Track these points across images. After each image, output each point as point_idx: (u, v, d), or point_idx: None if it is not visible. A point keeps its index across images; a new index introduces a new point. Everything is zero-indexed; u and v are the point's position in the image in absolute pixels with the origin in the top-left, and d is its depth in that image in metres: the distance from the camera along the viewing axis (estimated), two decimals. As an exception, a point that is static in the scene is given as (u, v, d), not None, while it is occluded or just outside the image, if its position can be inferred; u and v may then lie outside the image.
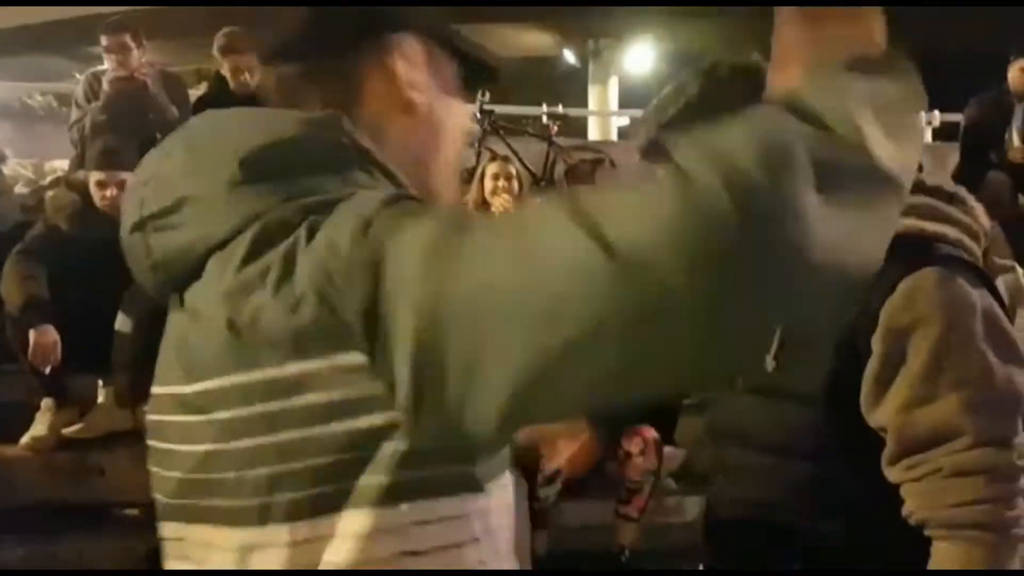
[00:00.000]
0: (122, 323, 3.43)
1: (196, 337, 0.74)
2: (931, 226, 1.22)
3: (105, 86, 4.34)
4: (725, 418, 1.33)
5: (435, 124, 0.85)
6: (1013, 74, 5.19)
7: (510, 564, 0.81)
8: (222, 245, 0.73)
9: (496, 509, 0.76)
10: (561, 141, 6.28)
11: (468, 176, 4.79)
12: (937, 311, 1.14)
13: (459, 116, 0.89)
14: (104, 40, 4.41)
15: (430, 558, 0.71)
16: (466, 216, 0.69)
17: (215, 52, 4.39)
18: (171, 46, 8.91)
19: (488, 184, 4.17)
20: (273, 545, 0.71)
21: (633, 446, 3.45)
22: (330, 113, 0.79)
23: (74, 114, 4.59)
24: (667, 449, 3.52)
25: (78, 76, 5.29)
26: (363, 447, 0.68)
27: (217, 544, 0.74)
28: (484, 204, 4.17)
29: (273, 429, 0.70)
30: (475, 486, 0.73)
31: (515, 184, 4.18)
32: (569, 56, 13.62)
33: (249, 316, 0.70)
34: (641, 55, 12.90)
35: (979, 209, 1.28)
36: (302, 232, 0.70)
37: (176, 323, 0.78)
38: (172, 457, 0.77)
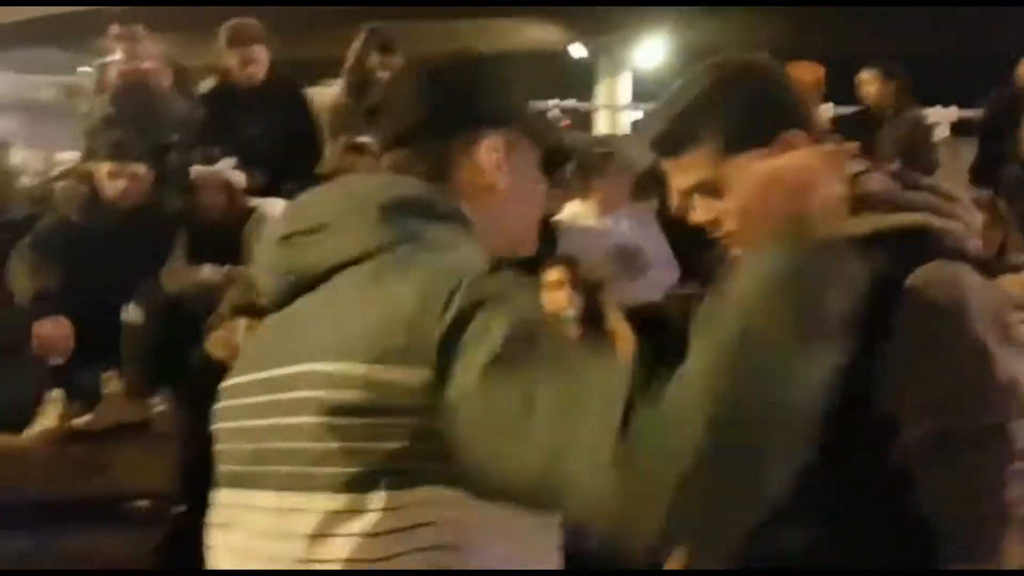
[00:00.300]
0: (132, 314, 3.42)
1: (335, 326, 0.92)
2: (937, 221, 1.24)
3: (113, 78, 4.32)
4: None
5: (514, 198, 1.05)
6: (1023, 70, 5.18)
7: None
8: (351, 263, 0.95)
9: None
10: (571, 135, 6.26)
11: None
12: (943, 302, 1.17)
13: (538, 191, 1.10)
14: (115, 28, 4.40)
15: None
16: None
17: (222, 44, 4.37)
18: (182, 41, 8.90)
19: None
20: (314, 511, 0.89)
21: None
22: (448, 186, 1.02)
23: (84, 105, 4.58)
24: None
25: (87, 68, 5.28)
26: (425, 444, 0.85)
27: (260, 506, 0.94)
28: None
29: (361, 415, 0.87)
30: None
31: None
32: (578, 50, 13.59)
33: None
34: (651, 50, 12.87)
35: (974, 209, 1.31)
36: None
37: (291, 317, 1.00)
38: (247, 433, 0.98)
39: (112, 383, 3.55)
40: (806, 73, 4.96)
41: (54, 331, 3.25)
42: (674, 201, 1.29)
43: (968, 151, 5.57)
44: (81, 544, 3.28)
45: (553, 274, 3.54)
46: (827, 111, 5.92)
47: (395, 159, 1.05)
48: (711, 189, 1.24)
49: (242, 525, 0.97)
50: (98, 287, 3.45)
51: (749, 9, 11.52)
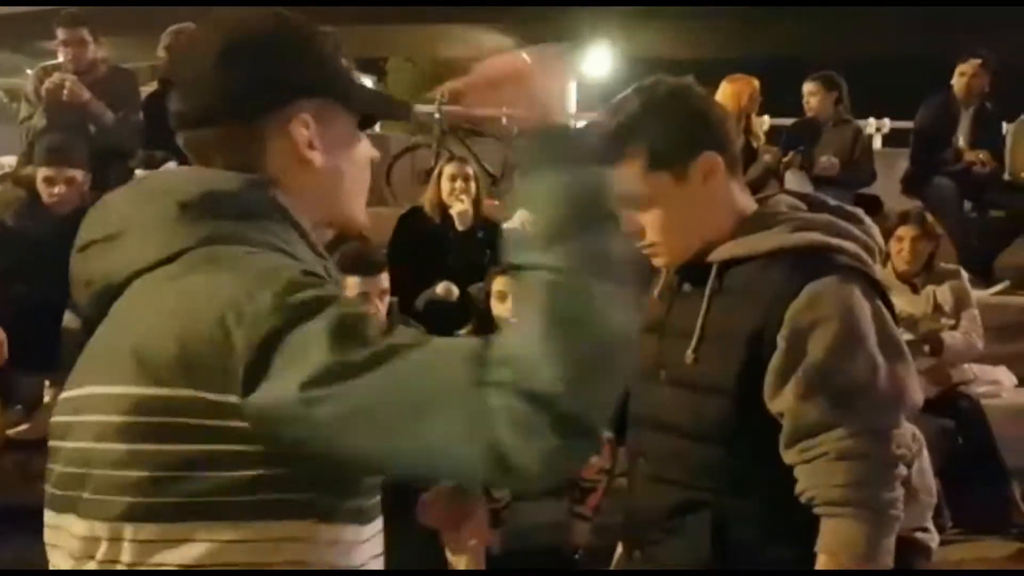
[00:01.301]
0: (70, 321, 3.38)
1: (144, 345, 0.86)
2: (834, 241, 1.37)
3: (41, 92, 4.25)
4: (644, 407, 1.44)
5: (334, 171, 1.00)
6: (957, 79, 5.32)
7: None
8: (148, 269, 0.89)
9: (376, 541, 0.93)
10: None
11: (426, 177, 4.78)
12: (835, 313, 1.30)
13: (359, 156, 1.03)
14: (61, 34, 4.34)
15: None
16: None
17: (160, 51, 4.33)
18: (125, 42, 8.77)
19: (445, 185, 4.16)
20: (131, 540, 0.85)
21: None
22: (259, 176, 0.95)
23: (24, 110, 4.51)
24: (621, 449, 3.55)
25: (29, 72, 5.18)
26: (228, 469, 0.82)
27: (74, 533, 0.88)
28: (441, 205, 4.17)
29: (166, 441, 0.83)
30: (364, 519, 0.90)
31: (472, 185, 4.18)
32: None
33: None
34: (598, 58, 12.98)
35: (875, 229, 1.45)
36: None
37: (104, 332, 0.92)
38: (58, 453, 0.92)
39: (50, 391, 3.51)
40: (741, 86, 5.06)
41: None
42: None
43: (901, 162, 5.72)
44: (16, 555, 3.23)
45: (499, 284, 3.57)
46: (764, 123, 6.04)
47: (196, 141, 0.97)
48: (634, 203, 1.37)
49: (63, 549, 0.91)
50: (34, 293, 3.40)
51: (693, 19, 11.68)
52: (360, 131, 1.04)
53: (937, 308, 3.89)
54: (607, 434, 3.56)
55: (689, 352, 1.36)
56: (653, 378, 1.42)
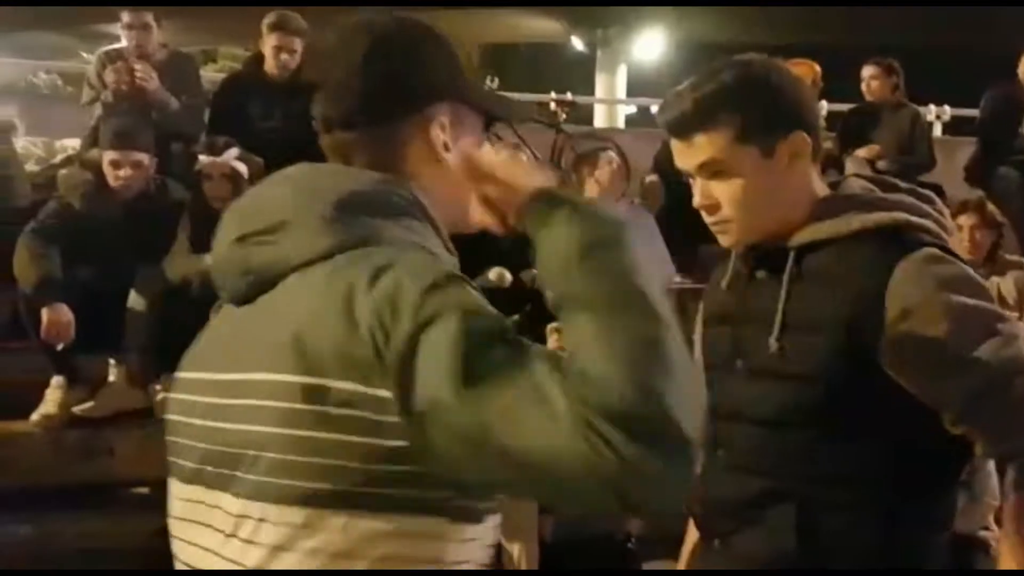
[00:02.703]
0: (135, 302, 3.45)
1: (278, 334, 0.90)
2: (915, 219, 1.35)
3: (108, 91, 4.30)
4: (725, 398, 1.41)
5: (461, 176, 1.01)
6: (1023, 68, 5.19)
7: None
8: (308, 264, 0.92)
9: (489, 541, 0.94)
10: (569, 129, 6.27)
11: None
12: (943, 282, 1.28)
13: (488, 164, 1.03)
14: (125, 17, 4.39)
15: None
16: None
17: (263, 26, 4.35)
18: (184, 26, 8.88)
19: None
20: (276, 523, 0.87)
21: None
22: (399, 177, 0.99)
23: (87, 94, 4.58)
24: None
25: (85, 55, 5.27)
26: (379, 462, 0.84)
27: (227, 510, 0.91)
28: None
29: (328, 430, 0.85)
30: (475, 518, 0.90)
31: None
32: (577, 43, 13.57)
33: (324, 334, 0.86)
34: (650, 43, 12.86)
35: (947, 211, 1.43)
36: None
37: (247, 318, 0.96)
38: (201, 432, 0.96)
39: (114, 370, 3.59)
40: (804, 70, 4.99)
41: (56, 318, 3.28)
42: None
43: (963, 150, 5.60)
44: (81, 530, 3.31)
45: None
46: (822, 109, 5.95)
47: (339, 142, 1.01)
48: (718, 170, 1.35)
49: (204, 523, 0.94)
50: (101, 274, 3.47)
51: (746, 4, 11.51)
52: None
53: (1001, 300, 3.81)
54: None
55: (772, 340, 1.33)
56: (728, 368, 1.41)
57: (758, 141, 1.34)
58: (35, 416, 3.47)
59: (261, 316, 0.94)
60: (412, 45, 1.02)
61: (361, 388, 0.83)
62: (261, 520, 0.87)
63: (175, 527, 0.99)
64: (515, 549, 3.15)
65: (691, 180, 1.39)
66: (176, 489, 0.99)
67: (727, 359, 1.41)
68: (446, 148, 1.01)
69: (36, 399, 3.52)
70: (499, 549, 3.15)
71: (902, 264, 1.27)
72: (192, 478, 0.96)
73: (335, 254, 0.91)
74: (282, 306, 0.92)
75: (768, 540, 1.34)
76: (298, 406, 0.85)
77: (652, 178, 4.73)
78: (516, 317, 3.65)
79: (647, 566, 3.38)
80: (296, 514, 0.86)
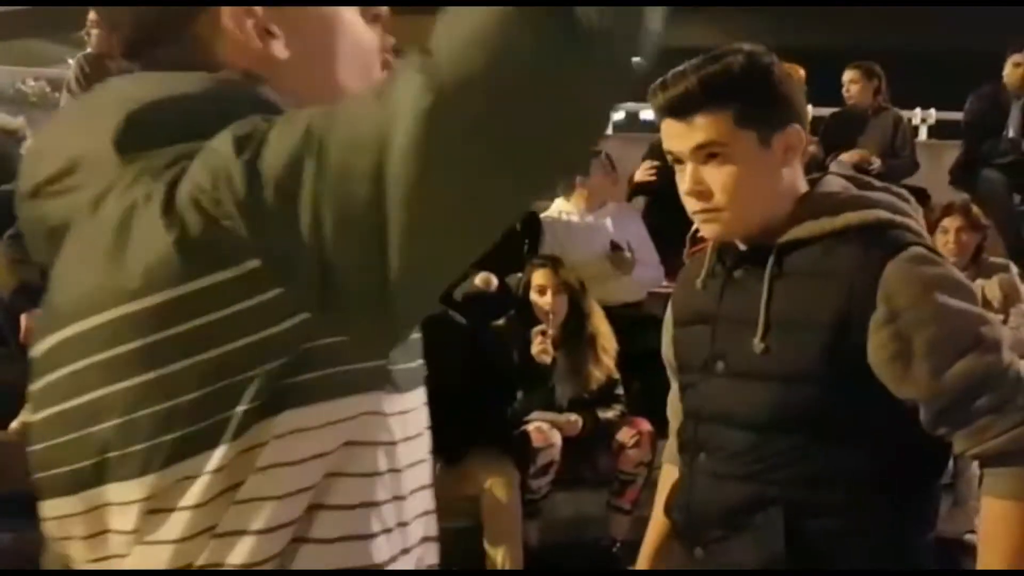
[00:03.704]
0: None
1: (77, 274, 0.70)
2: (898, 218, 1.34)
3: (84, 67, 4.28)
4: (707, 401, 1.39)
5: (316, 55, 0.81)
6: (1008, 69, 5.21)
7: (426, 471, 0.80)
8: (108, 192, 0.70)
9: (416, 415, 0.77)
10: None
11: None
12: (931, 282, 1.27)
13: (351, 32, 0.83)
14: (92, 13, 4.35)
15: (337, 456, 0.70)
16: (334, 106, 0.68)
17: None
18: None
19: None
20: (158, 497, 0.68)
21: (627, 437, 3.45)
22: (230, 74, 0.78)
23: (65, 99, 4.55)
24: (661, 441, 3.53)
25: (70, 61, 5.24)
26: (263, 361, 0.66)
27: (116, 503, 0.69)
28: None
29: (163, 361, 0.66)
30: (390, 384, 0.73)
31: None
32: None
33: (135, 242, 0.67)
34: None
35: (920, 211, 1.42)
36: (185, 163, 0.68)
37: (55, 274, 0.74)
38: (60, 420, 0.71)
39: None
40: (790, 72, 4.99)
41: (32, 324, 3.24)
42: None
43: (948, 153, 5.62)
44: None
45: (539, 276, 3.56)
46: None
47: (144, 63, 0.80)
48: (713, 153, 1.32)
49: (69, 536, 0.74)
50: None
51: (729, 9, 11.57)
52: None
53: (986, 303, 3.81)
54: (646, 426, 3.56)
55: (757, 341, 1.31)
56: (709, 370, 1.38)
57: (757, 128, 1.32)
58: (15, 424, 3.44)
59: (66, 264, 0.74)
60: None
61: (211, 279, 0.66)
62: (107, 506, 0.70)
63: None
64: (499, 554, 3.13)
65: (679, 166, 1.36)
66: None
67: (706, 361, 1.39)
68: (267, 34, 0.79)
69: (17, 407, 3.48)
70: (483, 554, 3.13)
71: (891, 263, 1.27)
72: (48, 491, 0.75)
73: (137, 174, 0.69)
74: (87, 240, 0.71)
75: (756, 547, 1.32)
76: (147, 339, 0.68)
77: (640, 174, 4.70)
78: (501, 321, 3.64)
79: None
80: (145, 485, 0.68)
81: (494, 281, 3.93)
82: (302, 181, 0.64)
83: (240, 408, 0.66)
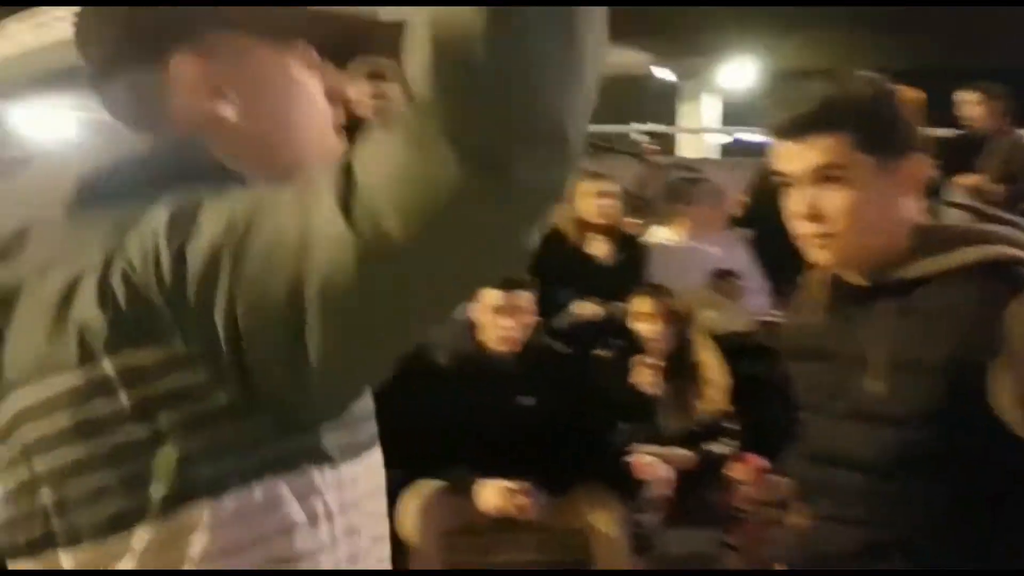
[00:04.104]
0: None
1: (22, 342, 0.72)
2: (1021, 254, 1.29)
3: None
4: (822, 442, 1.36)
5: (267, 119, 0.80)
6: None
7: (382, 547, 0.81)
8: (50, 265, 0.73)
9: (356, 483, 0.77)
10: (656, 159, 6.21)
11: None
12: None
13: (296, 93, 0.82)
14: None
15: (273, 539, 0.71)
16: (258, 201, 0.68)
17: (364, 75, 4.40)
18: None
19: (587, 204, 4.11)
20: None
21: (738, 473, 3.35)
22: (179, 136, 0.77)
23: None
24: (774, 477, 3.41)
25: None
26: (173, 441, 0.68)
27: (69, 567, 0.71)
28: (582, 223, 4.13)
29: (92, 435, 0.69)
30: (322, 458, 0.73)
31: (615, 203, 4.14)
32: (660, 74, 13.54)
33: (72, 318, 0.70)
34: (740, 72, 12.75)
35: None
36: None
37: None
38: (16, 494, 0.74)
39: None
40: (910, 96, 4.83)
41: None
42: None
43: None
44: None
45: (643, 305, 3.50)
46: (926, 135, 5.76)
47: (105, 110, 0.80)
48: (831, 177, 1.29)
49: None
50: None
51: (840, 30, 11.32)
52: (339, 60, 0.85)
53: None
54: (759, 462, 3.45)
55: (878, 382, 1.27)
56: (826, 409, 1.34)
57: (877, 153, 1.28)
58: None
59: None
60: None
61: (134, 357, 0.68)
62: None
63: None
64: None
65: (791, 189, 1.32)
66: None
67: (824, 399, 1.35)
68: (216, 93, 0.77)
69: None
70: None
71: (1014, 303, 1.21)
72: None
73: (74, 243, 0.72)
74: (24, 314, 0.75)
75: None
76: (44, 425, 0.71)
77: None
78: (605, 351, 3.60)
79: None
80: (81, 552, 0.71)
81: (599, 311, 3.89)
82: (219, 276, 0.66)
83: (161, 491, 0.68)
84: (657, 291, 3.56)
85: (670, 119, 12.42)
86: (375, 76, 3.61)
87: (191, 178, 0.73)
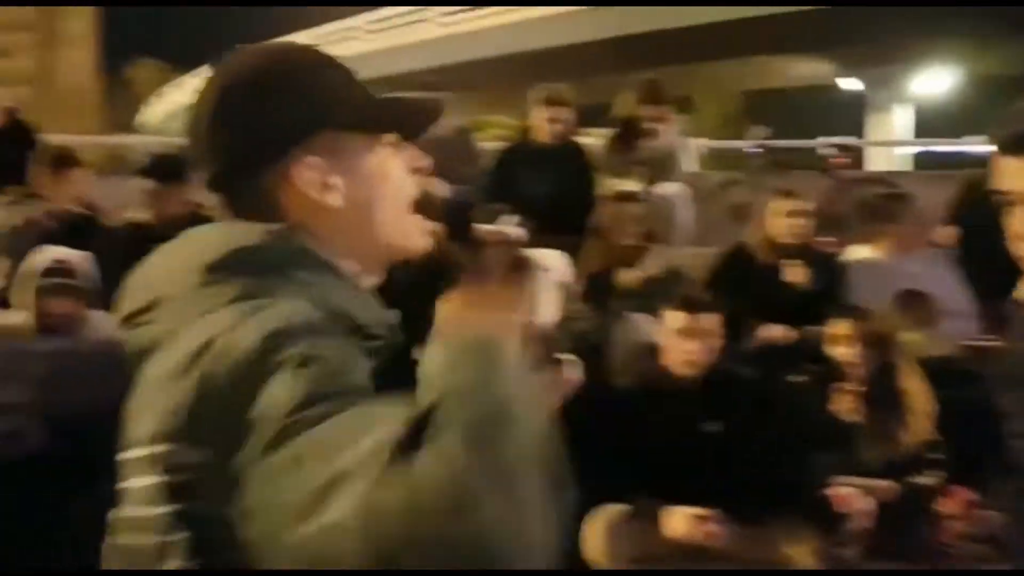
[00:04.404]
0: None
1: (144, 399, 0.87)
2: None
3: None
4: None
5: (363, 203, 0.94)
6: None
7: None
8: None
9: None
10: (846, 174, 5.96)
11: (742, 213, 4.63)
12: None
13: (394, 175, 0.96)
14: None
15: None
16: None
17: (535, 102, 4.55)
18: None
19: (779, 222, 4.00)
20: None
21: (948, 507, 3.14)
22: (283, 226, 0.91)
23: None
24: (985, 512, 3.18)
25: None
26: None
27: None
28: (773, 243, 4.01)
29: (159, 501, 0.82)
30: None
31: (807, 221, 4.00)
32: (846, 84, 13.03)
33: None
34: (934, 80, 12.08)
35: None
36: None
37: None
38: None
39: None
40: None
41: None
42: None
43: None
44: None
45: (841, 327, 3.36)
46: None
47: (218, 201, 0.95)
48: None
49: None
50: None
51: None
52: (403, 141, 0.97)
53: None
54: (967, 495, 3.22)
55: None
56: None
57: None
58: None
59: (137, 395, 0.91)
60: (263, 88, 0.92)
61: (185, 453, 0.80)
62: None
63: None
64: None
65: (1011, 208, 1.24)
66: None
67: None
68: (325, 186, 0.92)
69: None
70: None
71: None
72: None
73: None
74: (148, 383, 0.88)
75: None
76: (139, 480, 0.85)
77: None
78: (800, 377, 3.47)
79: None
80: None
81: (789, 333, 3.76)
82: (253, 450, 0.74)
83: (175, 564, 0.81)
84: (856, 312, 3.40)
85: (859, 131, 11.90)
86: None
87: (297, 265, 0.88)
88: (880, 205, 4.08)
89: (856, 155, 9.95)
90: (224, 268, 0.87)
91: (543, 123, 4.50)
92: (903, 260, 4.04)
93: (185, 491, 0.80)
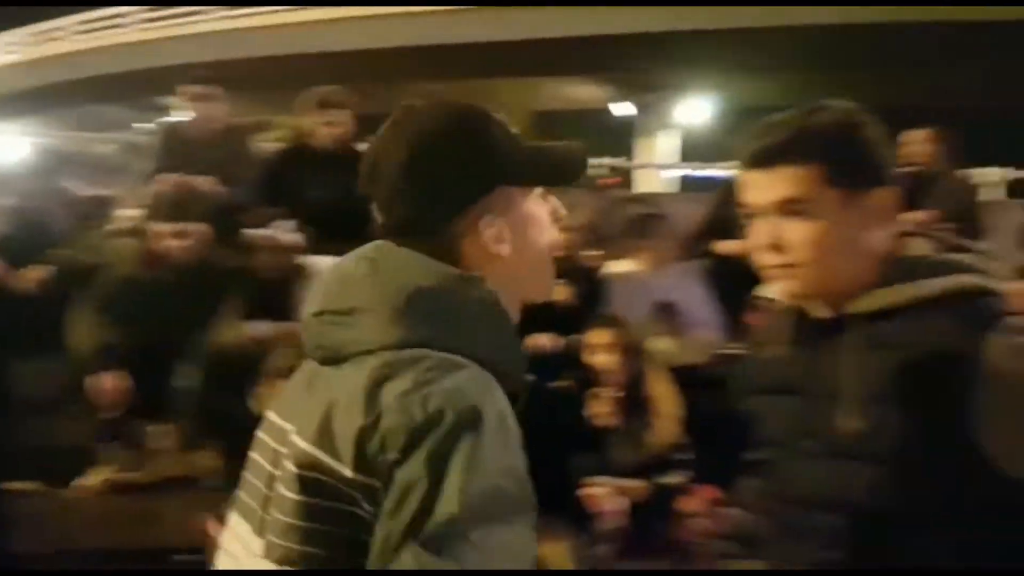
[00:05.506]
0: (185, 370, 3.48)
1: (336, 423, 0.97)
2: (991, 284, 1.27)
3: (169, 137, 4.44)
4: (798, 483, 1.31)
5: (524, 252, 1.05)
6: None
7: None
8: (369, 352, 0.97)
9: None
10: (614, 194, 6.29)
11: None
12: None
13: (544, 224, 1.08)
14: (192, 88, 4.46)
15: None
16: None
17: (314, 105, 4.42)
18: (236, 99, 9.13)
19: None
20: None
21: (692, 505, 3.37)
22: (473, 274, 1.01)
23: (147, 163, 4.65)
24: (727, 510, 3.44)
25: (140, 125, 5.37)
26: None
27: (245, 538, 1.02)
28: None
29: (312, 495, 0.96)
30: None
31: (575, 236, 4.18)
32: (618, 109, 13.70)
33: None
34: (695, 108, 12.94)
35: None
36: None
37: (323, 389, 1.00)
38: (257, 469, 1.05)
39: (163, 437, 3.60)
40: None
41: (114, 384, 3.32)
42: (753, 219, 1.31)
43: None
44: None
45: (601, 336, 3.54)
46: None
47: (399, 243, 1.04)
48: (797, 210, 1.27)
49: (231, 549, 1.05)
50: (152, 342, 3.52)
51: (797, 69, 11.55)
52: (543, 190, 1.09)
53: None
54: (712, 494, 3.48)
55: (853, 419, 1.23)
56: (796, 448, 1.30)
57: (846, 187, 1.26)
58: (85, 481, 3.50)
59: (320, 383, 1.00)
60: (453, 145, 1.02)
61: (360, 477, 0.91)
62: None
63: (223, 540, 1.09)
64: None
65: (754, 220, 1.31)
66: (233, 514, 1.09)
67: (793, 436, 1.32)
68: (499, 239, 1.03)
69: (86, 465, 3.54)
70: None
71: (991, 334, 1.19)
72: (239, 506, 1.06)
73: (398, 348, 0.95)
74: (335, 380, 0.98)
75: None
76: (307, 474, 0.94)
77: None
78: (565, 383, 3.62)
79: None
80: None
81: (557, 342, 3.92)
82: (394, 519, 0.89)
83: None
84: (612, 322, 3.60)
85: (628, 154, 12.55)
86: None
87: (487, 316, 0.99)
88: (638, 222, 4.34)
89: (625, 176, 10.52)
90: (425, 300, 0.97)
91: (319, 127, 4.41)
92: (657, 274, 4.31)
93: (322, 515, 0.93)
